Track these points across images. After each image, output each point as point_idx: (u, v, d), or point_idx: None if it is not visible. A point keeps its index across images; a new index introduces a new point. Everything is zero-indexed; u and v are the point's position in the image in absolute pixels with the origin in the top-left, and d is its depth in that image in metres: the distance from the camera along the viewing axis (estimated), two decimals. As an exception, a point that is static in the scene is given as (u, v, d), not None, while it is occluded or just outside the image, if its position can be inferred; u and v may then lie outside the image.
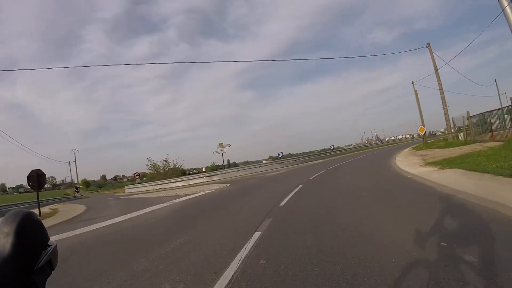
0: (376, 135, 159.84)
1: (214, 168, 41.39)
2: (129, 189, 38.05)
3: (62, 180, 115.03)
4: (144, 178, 40.90)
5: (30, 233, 0.74)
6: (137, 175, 41.58)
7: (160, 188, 32.54)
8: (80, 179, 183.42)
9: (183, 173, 41.31)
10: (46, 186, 19.76)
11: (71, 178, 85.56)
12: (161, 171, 40.96)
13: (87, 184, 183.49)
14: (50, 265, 0.78)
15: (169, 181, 32.53)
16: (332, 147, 51.10)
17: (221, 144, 34.48)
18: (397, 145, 50.07)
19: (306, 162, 35.44)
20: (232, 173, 30.96)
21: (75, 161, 74.31)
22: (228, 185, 20.68)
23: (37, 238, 0.76)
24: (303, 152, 60.60)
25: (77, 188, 78.71)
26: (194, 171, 49.94)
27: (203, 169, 34.09)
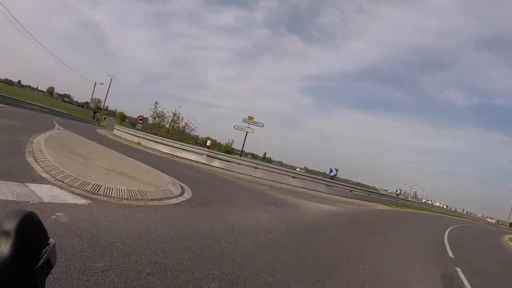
0: (415, 192, 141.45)
1: (229, 150, 29.14)
2: (117, 130, 27.36)
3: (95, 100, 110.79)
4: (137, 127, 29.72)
5: (30, 233, 0.73)
6: (140, 120, 30.57)
7: (139, 143, 21.75)
8: (119, 111, 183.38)
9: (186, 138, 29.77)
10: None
11: (93, 99, 77.81)
12: (165, 126, 29.61)
13: (123, 118, 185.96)
14: (49, 264, 0.78)
15: (158, 139, 21.01)
16: (398, 192, 36.87)
17: (250, 118, 21.98)
18: (451, 218, 39.91)
19: (367, 200, 22.40)
20: (246, 167, 18.45)
21: (109, 87, 65.52)
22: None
23: (37, 238, 0.76)
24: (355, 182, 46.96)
25: (94, 113, 71.96)
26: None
27: (207, 143, 21.53)
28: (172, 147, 19.78)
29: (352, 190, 23.35)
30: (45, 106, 38.03)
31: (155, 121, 30.07)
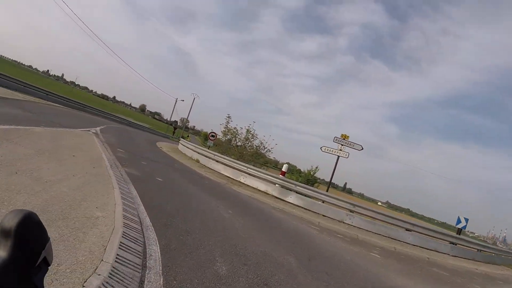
0: (505, 236, 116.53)
1: (311, 179, 23.14)
2: (181, 145, 24.12)
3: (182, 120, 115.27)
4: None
5: (30, 233, 0.71)
6: (212, 136, 27.15)
7: (197, 160, 18.07)
8: (204, 130, 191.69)
9: (261, 161, 25.01)
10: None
11: (181, 119, 79.58)
12: (234, 143, 25.37)
13: (206, 137, 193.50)
14: (46, 262, 0.75)
15: (219, 157, 16.58)
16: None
17: (345, 137, 16.10)
18: None
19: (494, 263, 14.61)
20: (337, 210, 12.65)
21: (192, 104, 66.02)
22: None
23: (37, 238, 0.74)
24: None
25: (175, 129, 72.97)
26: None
27: (283, 168, 15.86)
28: (234, 169, 15.01)
29: (480, 250, 15.67)
30: (124, 118, 37.63)
31: (226, 138, 26.02)
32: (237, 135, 25.08)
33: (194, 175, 12.70)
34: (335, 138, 16.72)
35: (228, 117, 24.98)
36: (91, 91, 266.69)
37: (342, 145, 16.60)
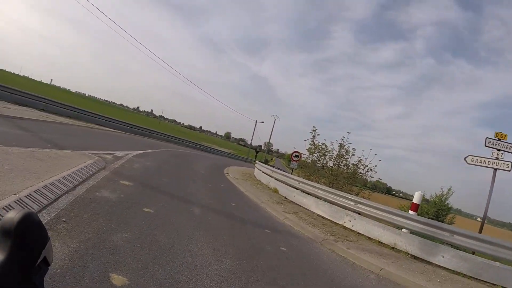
0: None
1: (443, 209, 15.94)
2: (257, 169, 19.73)
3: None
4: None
5: (30, 233, 0.72)
6: (296, 157, 22.42)
7: (275, 190, 13.28)
8: (288, 153, 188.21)
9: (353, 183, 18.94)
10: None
11: (265, 143, 76.69)
12: (324, 162, 19.69)
13: (290, 159, 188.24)
14: (46, 262, 0.77)
15: (308, 185, 11.54)
16: None
17: (502, 136, 9.54)
18: None
19: None
20: None
21: (273, 127, 62.55)
22: None
23: (37, 238, 0.75)
24: None
25: (257, 152, 69.69)
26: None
27: (414, 200, 9.73)
28: (333, 205, 9.58)
29: None
30: (204, 144, 35.35)
31: (313, 157, 20.57)
32: (326, 152, 19.50)
33: (262, 226, 7.19)
34: (488, 141, 10.18)
35: (314, 130, 19.58)
36: (179, 123, 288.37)
37: (499, 150, 9.99)
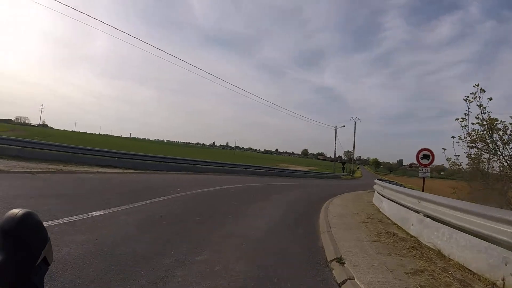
0: None
1: None
2: (378, 193, 11.35)
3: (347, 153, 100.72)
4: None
5: (30, 233, 0.73)
6: (425, 157, 13.97)
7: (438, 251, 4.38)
8: (371, 157, 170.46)
9: None
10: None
11: (345, 152, 66.76)
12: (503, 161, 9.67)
13: (377, 164, 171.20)
14: (46, 262, 0.77)
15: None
16: None
17: None
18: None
19: None
20: None
21: (354, 130, 53.15)
22: None
23: (37, 237, 0.75)
24: None
25: (343, 164, 59.50)
26: None
27: None
28: None
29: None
30: (276, 168, 27.91)
31: (483, 150, 10.72)
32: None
33: None
34: None
35: (478, 88, 10.03)
36: (255, 150, 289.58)
37: None
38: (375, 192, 13.02)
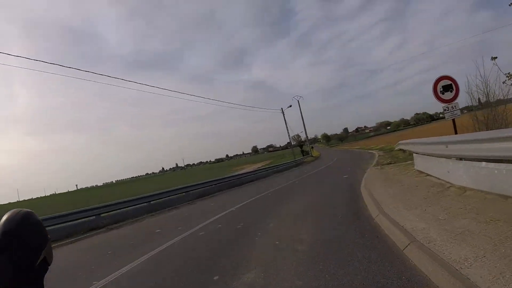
0: None
1: None
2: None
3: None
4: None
5: (30, 232, 0.73)
6: (446, 91, 8.62)
7: None
8: (318, 134, 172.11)
9: None
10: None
11: (293, 137, 62.79)
12: None
13: (327, 138, 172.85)
14: (46, 262, 0.76)
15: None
16: None
17: None
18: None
19: None
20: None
21: (300, 108, 48.65)
22: None
23: (37, 237, 0.75)
24: None
25: (301, 147, 55.31)
26: None
27: None
28: None
29: None
30: (222, 178, 21.73)
31: None
32: None
33: None
34: None
35: None
36: (206, 162, 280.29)
37: None
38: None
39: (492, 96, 9.66)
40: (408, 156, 13.21)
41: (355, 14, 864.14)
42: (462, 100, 10.46)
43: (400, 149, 16.41)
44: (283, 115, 43.72)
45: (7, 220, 0.70)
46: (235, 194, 13.81)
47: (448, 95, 9.88)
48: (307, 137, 55.73)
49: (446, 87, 9.91)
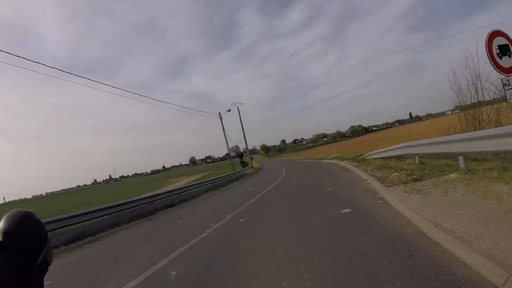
0: None
1: None
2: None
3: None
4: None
5: (30, 232, 0.71)
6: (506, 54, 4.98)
7: None
8: (257, 146, 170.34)
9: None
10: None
11: (232, 148, 58.27)
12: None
13: (266, 149, 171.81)
14: (46, 262, 0.75)
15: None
16: None
17: None
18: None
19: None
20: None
21: (239, 115, 44.14)
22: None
23: (37, 237, 0.73)
24: None
25: (241, 158, 50.72)
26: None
27: None
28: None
29: None
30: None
31: None
32: None
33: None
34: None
35: None
36: (142, 173, 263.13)
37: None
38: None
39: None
40: (421, 165, 8.99)
41: (297, 31, 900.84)
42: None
43: (383, 158, 12.47)
44: (221, 120, 38.86)
45: (7, 220, 0.68)
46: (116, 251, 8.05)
47: (507, 62, 5.81)
48: (247, 146, 51.43)
49: (503, 49, 5.84)
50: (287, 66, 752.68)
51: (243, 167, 41.86)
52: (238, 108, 45.86)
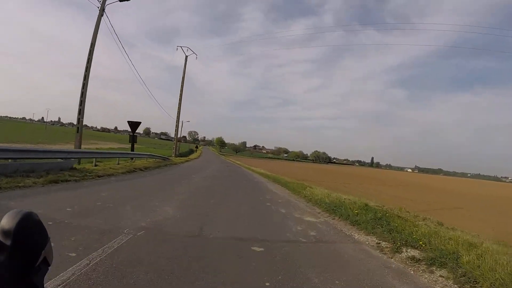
0: None
1: None
2: None
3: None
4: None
5: (30, 232, 0.71)
6: None
7: None
8: (216, 137, 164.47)
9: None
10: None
11: (190, 132, 55.37)
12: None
13: (222, 144, 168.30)
14: (46, 262, 0.75)
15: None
16: None
17: None
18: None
19: None
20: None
21: (185, 65, 39.51)
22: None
23: (37, 237, 0.73)
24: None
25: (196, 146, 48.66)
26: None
27: None
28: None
29: None
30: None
31: None
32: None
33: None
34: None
35: None
36: (91, 127, 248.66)
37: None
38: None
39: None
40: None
41: (292, 45, 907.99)
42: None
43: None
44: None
45: (7, 220, 0.68)
46: None
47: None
48: (178, 117, 40.60)
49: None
50: (270, 74, 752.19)
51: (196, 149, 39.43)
52: (186, 56, 39.74)
